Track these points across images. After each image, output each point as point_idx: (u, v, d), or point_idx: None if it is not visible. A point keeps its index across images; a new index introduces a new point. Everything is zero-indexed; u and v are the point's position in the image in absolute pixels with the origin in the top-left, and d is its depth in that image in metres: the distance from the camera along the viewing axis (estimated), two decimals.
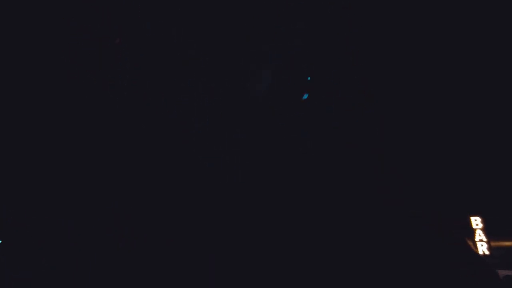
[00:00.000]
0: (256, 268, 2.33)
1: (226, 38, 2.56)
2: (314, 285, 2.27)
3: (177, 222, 2.49)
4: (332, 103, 2.53)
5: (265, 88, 2.57)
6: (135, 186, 2.56)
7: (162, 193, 2.54)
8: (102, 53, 2.58)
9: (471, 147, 2.38)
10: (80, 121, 2.59)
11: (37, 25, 2.57)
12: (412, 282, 2.24)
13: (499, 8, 2.39)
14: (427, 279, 2.24)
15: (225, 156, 2.55)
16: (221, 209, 2.50)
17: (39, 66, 2.59)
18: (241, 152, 2.54)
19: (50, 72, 2.59)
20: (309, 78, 2.54)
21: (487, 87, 2.46)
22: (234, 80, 2.57)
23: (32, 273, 2.36)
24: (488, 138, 2.37)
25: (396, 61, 2.50)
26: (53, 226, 2.55)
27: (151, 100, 2.58)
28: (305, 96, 2.16)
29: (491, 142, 2.37)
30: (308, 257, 2.35)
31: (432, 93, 2.50)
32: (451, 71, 2.47)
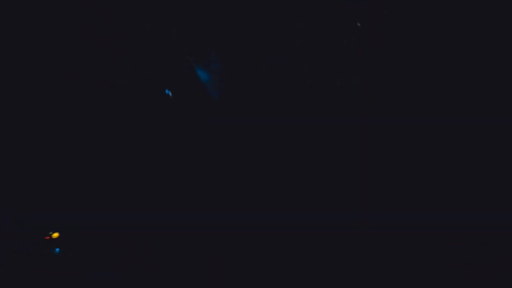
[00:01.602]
0: (256, 268, 2.33)
1: (226, 38, 2.56)
2: (315, 284, 2.28)
3: (177, 221, 2.49)
4: (332, 103, 2.53)
5: (265, 88, 2.56)
6: (135, 187, 2.56)
7: (162, 193, 2.54)
8: (102, 53, 2.58)
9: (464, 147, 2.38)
10: (80, 121, 2.59)
11: (37, 25, 2.57)
12: (412, 282, 2.24)
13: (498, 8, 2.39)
14: (427, 278, 2.24)
15: (225, 156, 2.55)
16: (221, 209, 2.50)
17: (39, 66, 2.59)
18: (241, 152, 2.54)
19: (50, 72, 2.59)
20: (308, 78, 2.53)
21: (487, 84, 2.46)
22: (234, 80, 2.57)
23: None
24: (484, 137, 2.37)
25: (396, 61, 2.50)
26: (52, 224, 2.55)
27: (151, 100, 2.58)
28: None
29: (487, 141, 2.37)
30: (307, 256, 2.35)
31: (431, 95, 2.49)
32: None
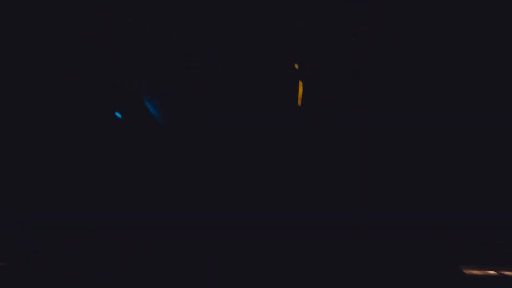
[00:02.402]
0: (256, 268, 2.33)
1: (226, 38, 2.56)
2: (315, 284, 2.28)
3: (176, 221, 2.49)
4: (332, 103, 2.53)
5: (265, 88, 2.57)
6: (135, 187, 2.56)
7: (162, 193, 2.54)
8: (102, 53, 2.58)
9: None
10: (80, 121, 2.59)
11: (37, 25, 2.57)
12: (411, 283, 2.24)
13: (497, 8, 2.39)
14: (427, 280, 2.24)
15: (225, 156, 2.55)
16: (221, 209, 2.50)
17: (39, 66, 2.59)
18: (241, 152, 2.54)
19: (50, 72, 2.59)
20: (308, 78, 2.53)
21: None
22: (234, 80, 2.57)
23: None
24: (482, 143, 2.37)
25: (396, 61, 2.50)
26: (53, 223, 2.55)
27: (151, 100, 2.58)
28: None
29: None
30: (308, 256, 2.35)
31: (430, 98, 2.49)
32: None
